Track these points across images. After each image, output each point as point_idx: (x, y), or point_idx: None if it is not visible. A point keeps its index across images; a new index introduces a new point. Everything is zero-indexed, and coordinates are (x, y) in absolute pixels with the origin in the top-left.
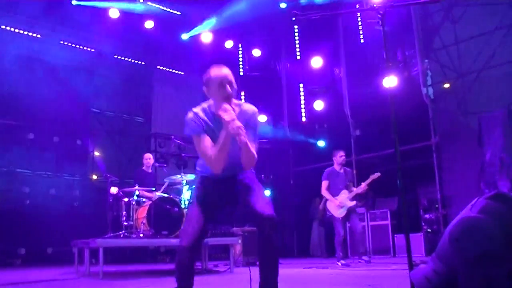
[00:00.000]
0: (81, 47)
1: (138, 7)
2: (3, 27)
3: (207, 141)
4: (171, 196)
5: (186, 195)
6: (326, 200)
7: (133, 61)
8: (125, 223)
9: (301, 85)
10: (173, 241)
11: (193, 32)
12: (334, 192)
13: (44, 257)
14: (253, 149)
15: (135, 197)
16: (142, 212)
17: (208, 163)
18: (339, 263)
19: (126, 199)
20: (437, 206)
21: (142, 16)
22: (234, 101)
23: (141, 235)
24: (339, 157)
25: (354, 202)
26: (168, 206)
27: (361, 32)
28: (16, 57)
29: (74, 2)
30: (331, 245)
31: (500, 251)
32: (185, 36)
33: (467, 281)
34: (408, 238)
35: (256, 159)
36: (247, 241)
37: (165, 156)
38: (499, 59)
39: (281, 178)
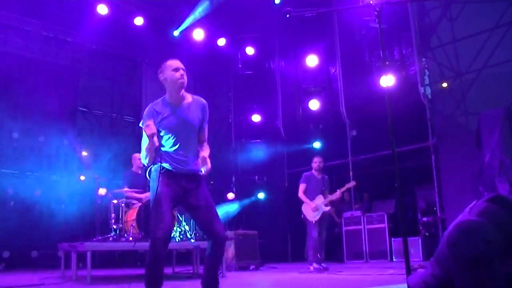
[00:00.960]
0: (69, 43)
1: (127, 3)
2: None
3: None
4: None
5: None
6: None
7: (122, 58)
8: (114, 226)
9: (295, 84)
10: None
11: (184, 25)
12: (310, 197)
13: (29, 261)
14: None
15: (124, 199)
16: (132, 215)
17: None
18: (311, 267)
19: (115, 201)
20: (435, 209)
21: (132, 13)
22: (186, 93)
23: (131, 238)
24: (314, 162)
25: (329, 208)
26: None
27: (357, 30)
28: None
29: None
30: (328, 248)
31: (498, 255)
32: (176, 33)
33: (463, 286)
34: (406, 242)
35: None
36: (240, 245)
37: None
38: (499, 58)
39: (275, 180)
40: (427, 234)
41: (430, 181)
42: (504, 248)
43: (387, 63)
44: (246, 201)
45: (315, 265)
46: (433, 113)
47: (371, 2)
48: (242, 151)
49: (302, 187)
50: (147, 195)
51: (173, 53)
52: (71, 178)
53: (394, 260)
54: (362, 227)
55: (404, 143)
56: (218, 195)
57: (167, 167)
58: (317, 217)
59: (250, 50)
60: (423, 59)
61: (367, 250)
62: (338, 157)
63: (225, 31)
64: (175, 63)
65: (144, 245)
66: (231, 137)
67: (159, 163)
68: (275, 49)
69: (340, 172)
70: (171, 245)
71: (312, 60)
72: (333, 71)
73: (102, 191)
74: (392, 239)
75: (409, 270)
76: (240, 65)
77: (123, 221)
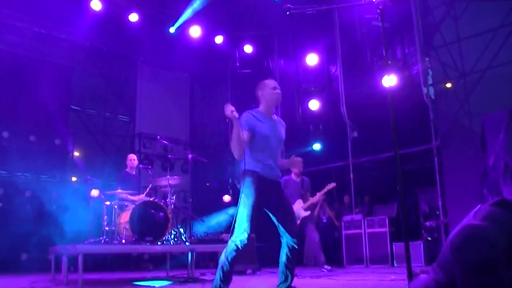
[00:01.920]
0: (62, 40)
1: None
2: None
3: (245, 134)
4: (156, 200)
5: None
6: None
7: (117, 57)
8: (107, 228)
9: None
10: (158, 248)
11: (180, 22)
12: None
13: (19, 264)
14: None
15: (118, 201)
16: (125, 217)
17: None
18: (324, 269)
19: (108, 203)
20: (438, 213)
21: (126, 9)
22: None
23: (124, 241)
24: None
25: (308, 212)
26: (152, 211)
27: (358, 28)
28: None
29: None
30: (326, 252)
31: (504, 261)
32: (172, 30)
33: None
34: (407, 246)
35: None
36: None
37: (150, 157)
38: (504, 58)
39: None
40: (429, 238)
41: (433, 184)
42: (510, 254)
43: (389, 62)
44: None
45: (326, 266)
46: (437, 114)
47: (374, 0)
48: None
49: None
50: (140, 197)
51: (169, 51)
52: (62, 179)
53: (395, 265)
54: (362, 231)
55: (407, 145)
56: (214, 197)
57: (259, 172)
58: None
59: (248, 48)
60: (426, 59)
61: (368, 254)
62: (339, 159)
63: (223, 28)
64: (273, 82)
65: (137, 248)
66: (228, 137)
67: (253, 169)
68: (274, 48)
69: (340, 174)
70: (165, 248)
71: (312, 59)
72: (334, 70)
73: (94, 192)
74: (394, 243)
75: (410, 276)
76: (238, 64)
77: (116, 223)
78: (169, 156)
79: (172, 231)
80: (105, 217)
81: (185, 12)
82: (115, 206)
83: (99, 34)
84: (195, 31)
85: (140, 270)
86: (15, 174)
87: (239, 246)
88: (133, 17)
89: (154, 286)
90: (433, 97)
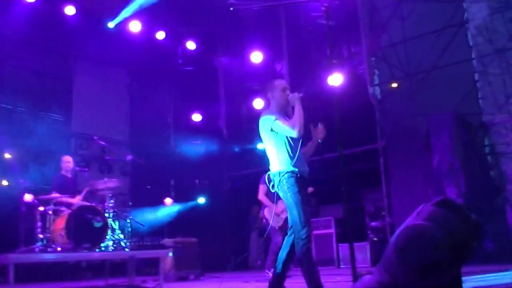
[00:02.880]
0: None
1: None
2: None
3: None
4: (93, 204)
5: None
6: (265, 207)
7: (52, 51)
8: (41, 235)
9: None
10: (96, 255)
11: (120, 17)
12: (272, 200)
13: None
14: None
15: (52, 206)
16: (60, 223)
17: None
18: (270, 272)
19: (41, 208)
20: (383, 213)
21: (63, 1)
22: None
23: (59, 248)
24: None
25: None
26: (89, 216)
27: (304, 26)
28: None
29: None
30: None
31: (447, 261)
32: (111, 25)
33: None
34: (352, 247)
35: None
36: (180, 254)
37: (87, 159)
38: (448, 60)
39: (217, 184)
40: (375, 239)
41: (379, 184)
42: (452, 253)
43: (334, 61)
44: (185, 206)
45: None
46: (383, 114)
47: None
48: (182, 153)
49: (262, 188)
50: (78, 199)
51: (108, 46)
52: None
53: (342, 266)
54: None
55: (352, 145)
56: (155, 200)
57: (300, 172)
58: (281, 223)
59: (191, 45)
60: (373, 58)
61: (314, 256)
62: None
63: (165, 24)
64: (283, 83)
65: (74, 256)
66: (170, 137)
67: (296, 169)
68: (218, 44)
69: None
70: (103, 255)
71: (257, 57)
72: (280, 68)
73: (28, 197)
74: (340, 244)
75: (355, 277)
76: (180, 61)
77: (51, 230)
78: (107, 158)
79: (111, 237)
80: (39, 223)
81: (126, 7)
82: (50, 212)
83: (33, 27)
84: (135, 26)
85: (77, 279)
86: None
87: (308, 239)
88: (70, 10)
89: None
90: (379, 97)
